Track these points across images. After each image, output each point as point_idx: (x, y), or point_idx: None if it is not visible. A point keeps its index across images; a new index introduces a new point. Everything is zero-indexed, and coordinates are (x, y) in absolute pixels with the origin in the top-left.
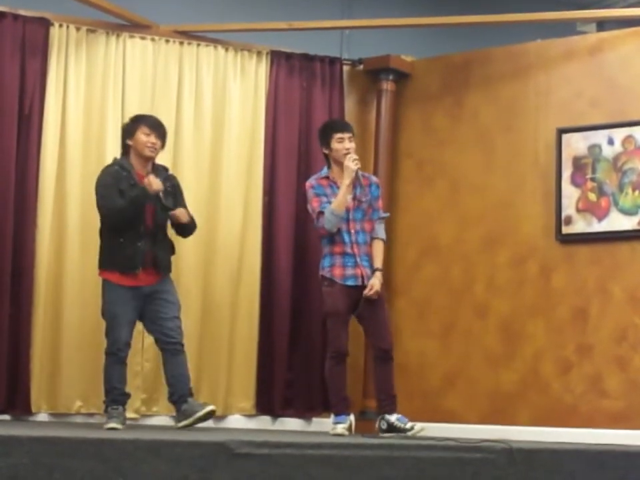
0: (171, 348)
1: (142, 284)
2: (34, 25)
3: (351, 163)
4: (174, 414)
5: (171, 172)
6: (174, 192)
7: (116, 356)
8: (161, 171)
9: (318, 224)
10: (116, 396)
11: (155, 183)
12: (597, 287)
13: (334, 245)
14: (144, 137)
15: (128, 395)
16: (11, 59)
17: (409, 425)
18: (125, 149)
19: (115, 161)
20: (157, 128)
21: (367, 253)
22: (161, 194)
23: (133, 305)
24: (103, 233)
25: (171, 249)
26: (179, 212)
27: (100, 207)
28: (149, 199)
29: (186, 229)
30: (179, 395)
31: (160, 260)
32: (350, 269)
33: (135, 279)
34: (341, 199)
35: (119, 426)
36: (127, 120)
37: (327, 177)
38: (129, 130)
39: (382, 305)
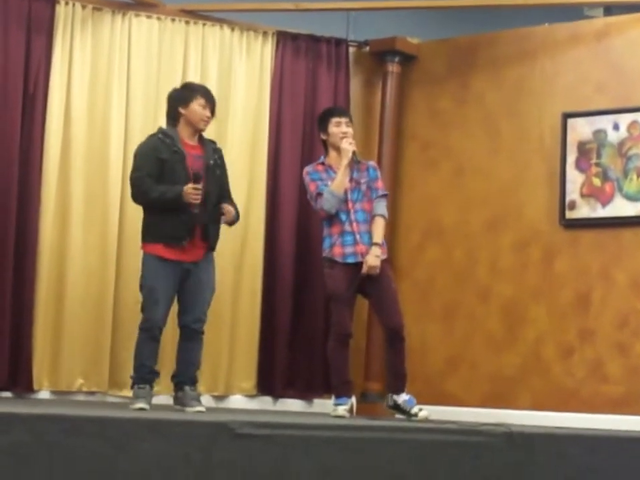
0: (188, 332)
1: (186, 259)
2: (39, 2)
3: (348, 145)
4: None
5: (218, 145)
6: (222, 165)
7: (150, 332)
8: (208, 143)
9: (317, 205)
10: (144, 374)
11: (191, 196)
12: (599, 272)
13: (332, 226)
14: (200, 108)
15: (157, 373)
16: (16, 37)
17: (415, 409)
18: (174, 116)
19: (159, 130)
20: (211, 100)
21: (368, 231)
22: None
23: (173, 280)
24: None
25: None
26: (227, 211)
27: (131, 179)
28: (180, 203)
29: (230, 224)
30: (179, 379)
31: (209, 232)
32: (349, 246)
33: (181, 252)
34: (340, 179)
35: (146, 406)
36: (132, 98)
37: (323, 163)
38: (182, 98)
39: (387, 281)
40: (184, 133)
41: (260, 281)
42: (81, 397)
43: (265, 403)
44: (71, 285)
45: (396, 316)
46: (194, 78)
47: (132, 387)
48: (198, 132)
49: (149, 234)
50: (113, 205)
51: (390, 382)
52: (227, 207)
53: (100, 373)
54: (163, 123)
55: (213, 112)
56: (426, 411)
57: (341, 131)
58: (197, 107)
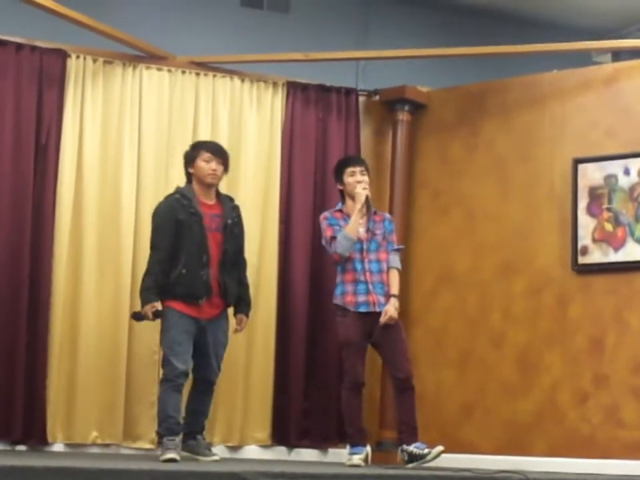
0: (202, 385)
1: (203, 316)
2: (51, 56)
3: (361, 190)
4: None
5: (236, 202)
6: (239, 222)
7: (173, 383)
8: (226, 201)
9: (331, 249)
10: (171, 425)
11: (148, 314)
12: (613, 317)
13: (345, 273)
14: (204, 163)
15: (182, 425)
16: (29, 90)
17: (426, 450)
18: (188, 177)
19: (177, 189)
20: (217, 153)
21: (380, 281)
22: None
23: (192, 334)
24: None
25: (239, 281)
26: (239, 321)
27: (150, 242)
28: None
29: None
30: (190, 429)
31: (228, 290)
32: (362, 295)
33: (198, 309)
34: (353, 222)
35: (176, 457)
36: (143, 149)
37: (341, 210)
38: (189, 157)
39: (398, 332)
40: (199, 191)
41: (273, 331)
42: (96, 450)
43: (280, 453)
44: (84, 337)
45: (406, 364)
46: (205, 129)
47: (159, 440)
48: (210, 188)
49: (167, 291)
50: (126, 257)
51: (404, 434)
52: (241, 319)
53: (114, 425)
54: (174, 174)
55: (224, 165)
56: (438, 447)
57: (356, 180)
58: (201, 163)
